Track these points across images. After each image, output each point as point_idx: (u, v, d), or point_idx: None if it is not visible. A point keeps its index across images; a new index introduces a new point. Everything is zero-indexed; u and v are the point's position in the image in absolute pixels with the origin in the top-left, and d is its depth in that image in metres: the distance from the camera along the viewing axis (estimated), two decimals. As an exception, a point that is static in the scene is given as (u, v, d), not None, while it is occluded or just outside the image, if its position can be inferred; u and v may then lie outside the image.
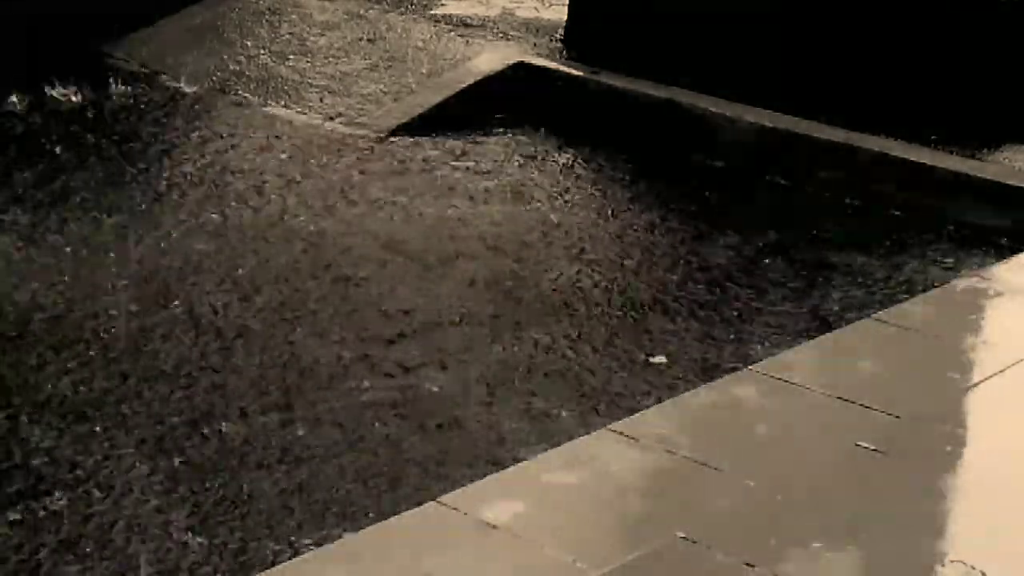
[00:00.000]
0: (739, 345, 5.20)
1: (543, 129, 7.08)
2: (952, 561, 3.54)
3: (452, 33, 7.86)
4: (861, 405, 4.19)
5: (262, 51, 7.77)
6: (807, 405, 4.24)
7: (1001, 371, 4.48)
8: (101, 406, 4.61)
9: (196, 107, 7.22)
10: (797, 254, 5.98)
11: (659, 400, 4.65)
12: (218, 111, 7.17)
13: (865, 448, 3.97)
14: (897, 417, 4.14)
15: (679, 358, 5.09)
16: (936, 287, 5.48)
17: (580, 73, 7.37)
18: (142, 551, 3.93)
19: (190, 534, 4.01)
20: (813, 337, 5.05)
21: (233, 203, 6.17)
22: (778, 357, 4.67)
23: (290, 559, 3.79)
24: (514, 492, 3.75)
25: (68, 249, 5.67)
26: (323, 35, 7.92)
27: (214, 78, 7.51)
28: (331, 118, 7.12)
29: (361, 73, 7.53)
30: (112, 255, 5.63)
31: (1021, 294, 5.24)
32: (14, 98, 7.07)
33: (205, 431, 4.50)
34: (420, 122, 7.11)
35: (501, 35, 7.82)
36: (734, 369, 4.79)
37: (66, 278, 5.42)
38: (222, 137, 6.88)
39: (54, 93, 7.17)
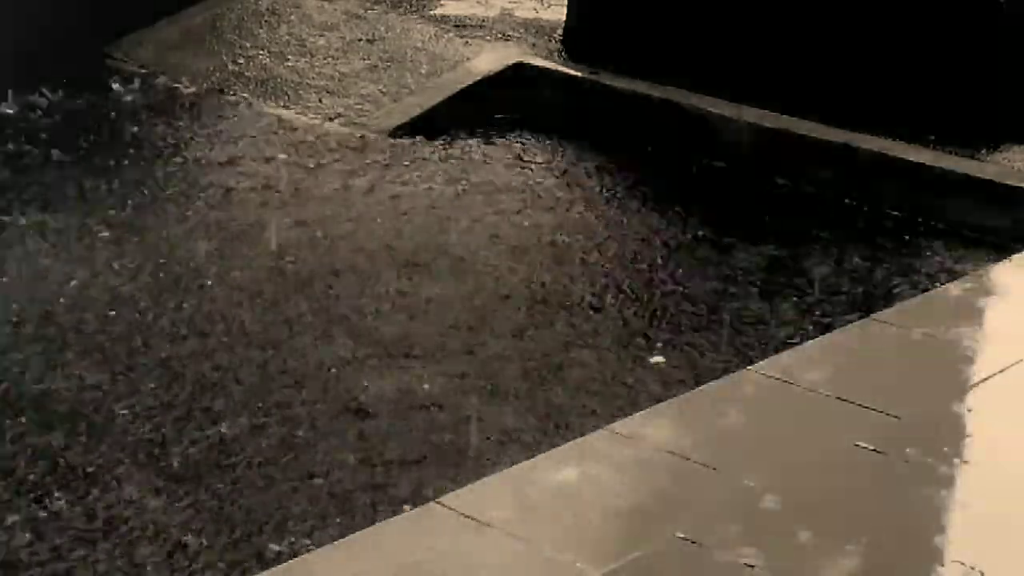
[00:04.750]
0: (738, 345, 5.20)
1: (542, 130, 7.07)
2: (952, 561, 3.54)
3: (451, 34, 7.86)
4: (861, 405, 4.18)
5: (261, 51, 7.77)
6: (807, 405, 4.24)
7: (1001, 371, 4.48)
8: (100, 405, 4.61)
9: (195, 107, 7.21)
10: (796, 254, 5.98)
11: (658, 400, 4.64)
12: (217, 111, 7.17)
13: (865, 448, 3.97)
14: (897, 417, 4.13)
15: (678, 358, 5.09)
16: (936, 287, 5.48)
17: (579, 73, 7.37)
18: (142, 551, 3.93)
19: (190, 534, 4.01)
20: (813, 337, 5.05)
21: (232, 203, 6.17)
22: (778, 357, 4.66)
23: (290, 559, 3.79)
24: (514, 492, 3.75)
25: (67, 249, 5.67)
26: (322, 36, 7.92)
27: (213, 78, 7.51)
28: (330, 119, 7.12)
29: (360, 74, 7.52)
30: (111, 255, 5.63)
31: (1021, 294, 5.24)
32: (13, 99, 7.07)
33: (205, 431, 4.51)
34: (419, 123, 7.11)
35: (500, 36, 7.81)
36: (734, 369, 4.79)
37: (66, 278, 5.42)
38: (221, 137, 6.88)
39: (53, 93, 7.17)
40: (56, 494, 4.16)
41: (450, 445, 4.49)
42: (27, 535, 3.99)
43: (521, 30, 7.87)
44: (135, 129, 6.94)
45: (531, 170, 6.70)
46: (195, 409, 4.63)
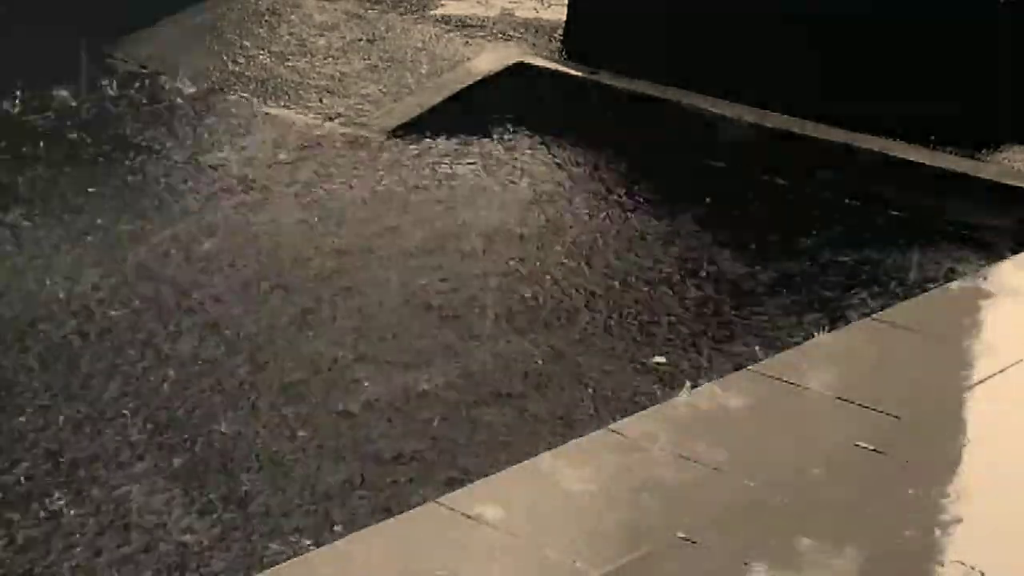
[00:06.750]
0: (739, 345, 5.20)
1: (542, 129, 7.07)
2: (952, 561, 3.54)
3: (451, 33, 7.86)
4: (861, 405, 4.18)
5: (261, 51, 7.77)
6: (807, 405, 4.24)
7: (1001, 371, 4.48)
8: (101, 405, 4.61)
9: (196, 107, 7.21)
10: (796, 255, 5.98)
11: (659, 400, 4.64)
12: (218, 111, 7.17)
13: (865, 448, 3.97)
14: (897, 417, 4.13)
15: (679, 358, 5.09)
16: (936, 287, 5.48)
17: (579, 73, 7.37)
18: (142, 551, 3.93)
19: (190, 534, 4.01)
20: (813, 337, 5.05)
21: (232, 203, 6.17)
22: (778, 357, 4.66)
23: (290, 559, 3.79)
24: (514, 492, 3.75)
25: (68, 249, 5.67)
26: (322, 35, 7.92)
27: (214, 78, 7.51)
28: (331, 118, 7.12)
29: (360, 74, 7.53)
30: (112, 255, 5.63)
31: (1021, 294, 5.24)
32: (14, 99, 7.07)
33: (205, 431, 4.50)
34: (419, 123, 7.11)
35: (500, 35, 7.81)
36: (734, 369, 4.79)
37: (66, 278, 5.42)
38: (221, 137, 6.88)
39: (54, 93, 7.16)
40: (56, 493, 4.16)
41: (450, 445, 4.49)
42: (24, 533, 3.99)
43: (521, 30, 7.87)
44: (135, 129, 6.94)
45: (531, 170, 6.69)
46: (194, 408, 4.62)
